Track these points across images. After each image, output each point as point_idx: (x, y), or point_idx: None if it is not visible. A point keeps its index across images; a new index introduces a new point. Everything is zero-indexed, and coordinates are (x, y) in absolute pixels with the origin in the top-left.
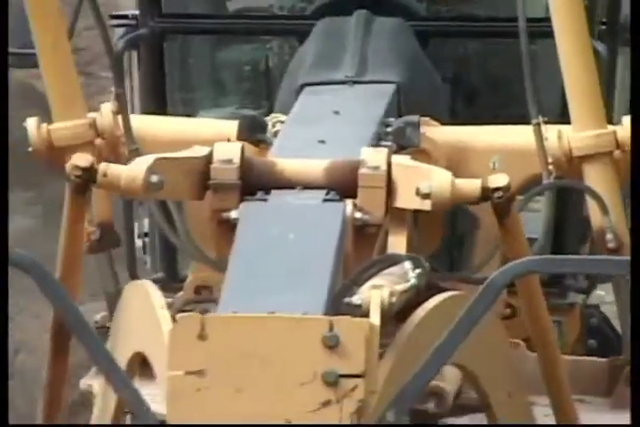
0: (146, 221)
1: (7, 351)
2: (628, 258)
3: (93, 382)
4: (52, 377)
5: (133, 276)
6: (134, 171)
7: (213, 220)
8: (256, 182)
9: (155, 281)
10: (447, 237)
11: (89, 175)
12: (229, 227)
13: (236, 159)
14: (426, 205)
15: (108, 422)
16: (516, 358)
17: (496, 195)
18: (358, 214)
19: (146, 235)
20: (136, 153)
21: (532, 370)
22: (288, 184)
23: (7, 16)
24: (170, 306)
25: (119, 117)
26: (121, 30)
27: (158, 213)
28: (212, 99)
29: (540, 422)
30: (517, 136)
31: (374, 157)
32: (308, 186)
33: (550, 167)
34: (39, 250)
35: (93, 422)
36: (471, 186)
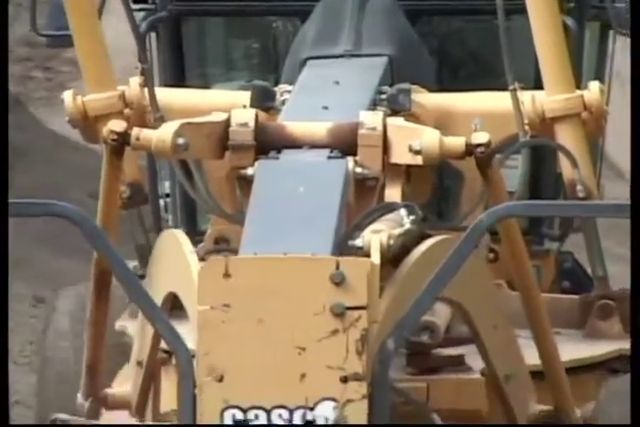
0: (167, 184)
1: (7, 351)
2: (590, 202)
3: (127, 324)
4: (94, 318)
5: (159, 231)
6: (163, 134)
7: (232, 177)
8: (269, 143)
9: None
10: (436, 191)
11: (123, 139)
12: (246, 182)
13: (251, 123)
14: (417, 160)
15: (145, 358)
16: (500, 297)
17: (479, 150)
18: (358, 169)
19: (167, 196)
20: (161, 120)
21: (513, 307)
22: (297, 144)
23: (7, 17)
24: None
25: (145, 89)
26: (141, 13)
27: (180, 173)
28: (225, 73)
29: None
30: (497, 101)
31: (372, 120)
32: (314, 145)
33: (526, 128)
34: None
35: (132, 359)
36: (457, 143)
